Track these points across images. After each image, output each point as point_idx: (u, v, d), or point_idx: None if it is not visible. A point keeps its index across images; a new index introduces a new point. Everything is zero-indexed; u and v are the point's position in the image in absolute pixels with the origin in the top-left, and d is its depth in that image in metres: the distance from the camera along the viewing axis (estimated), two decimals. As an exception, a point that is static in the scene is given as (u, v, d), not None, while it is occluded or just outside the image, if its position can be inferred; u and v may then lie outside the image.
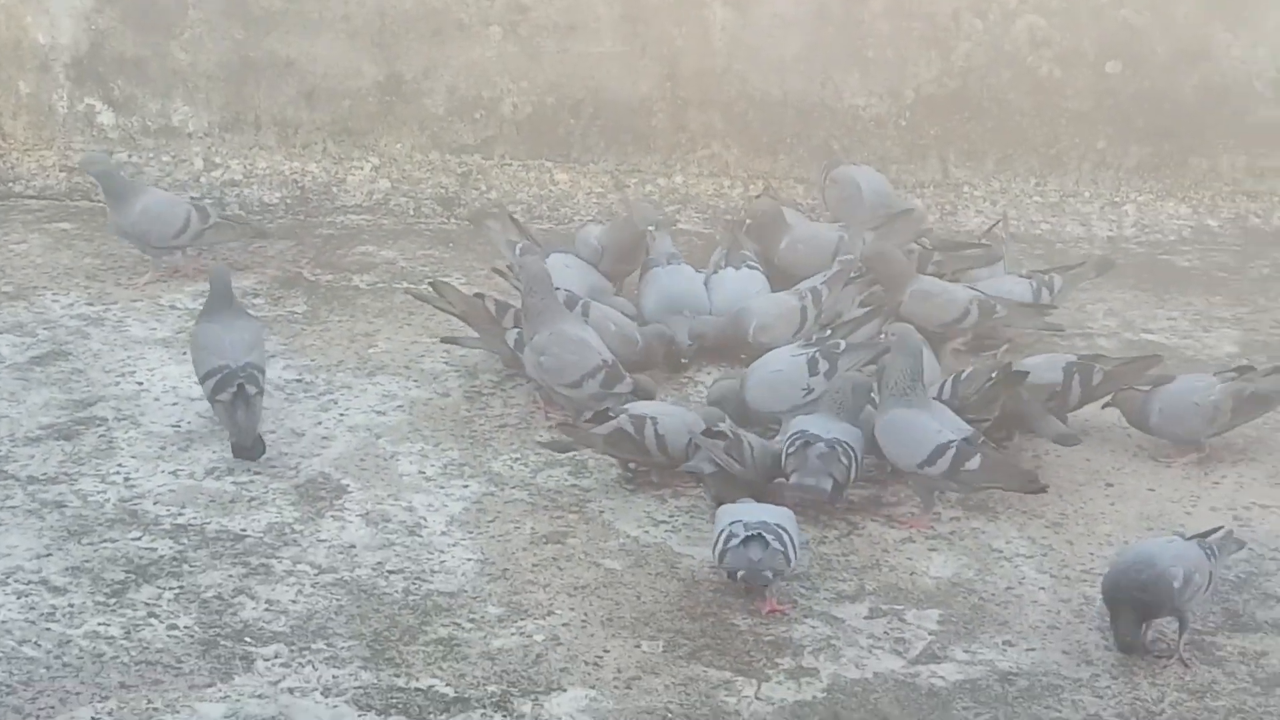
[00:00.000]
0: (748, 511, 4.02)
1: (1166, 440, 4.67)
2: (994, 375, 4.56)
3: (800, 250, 5.44)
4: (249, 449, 4.44)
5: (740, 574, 3.90)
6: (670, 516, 4.30)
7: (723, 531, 3.94)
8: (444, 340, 5.00)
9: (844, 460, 4.29)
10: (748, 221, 5.57)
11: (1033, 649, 3.80)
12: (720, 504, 4.23)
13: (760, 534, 3.89)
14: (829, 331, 4.85)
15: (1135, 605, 3.76)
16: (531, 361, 4.71)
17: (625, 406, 4.48)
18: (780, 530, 3.93)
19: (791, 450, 4.28)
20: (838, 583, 4.04)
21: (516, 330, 4.89)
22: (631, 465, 4.44)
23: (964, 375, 4.62)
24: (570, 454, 4.50)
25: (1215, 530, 3.99)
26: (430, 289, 5.14)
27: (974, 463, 4.27)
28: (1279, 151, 6.35)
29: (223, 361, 4.51)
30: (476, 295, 5.09)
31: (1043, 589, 4.04)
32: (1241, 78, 6.30)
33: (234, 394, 4.48)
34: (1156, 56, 6.28)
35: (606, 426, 4.40)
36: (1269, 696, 3.66)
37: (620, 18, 6.27)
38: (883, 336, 4.73)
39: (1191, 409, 4.62)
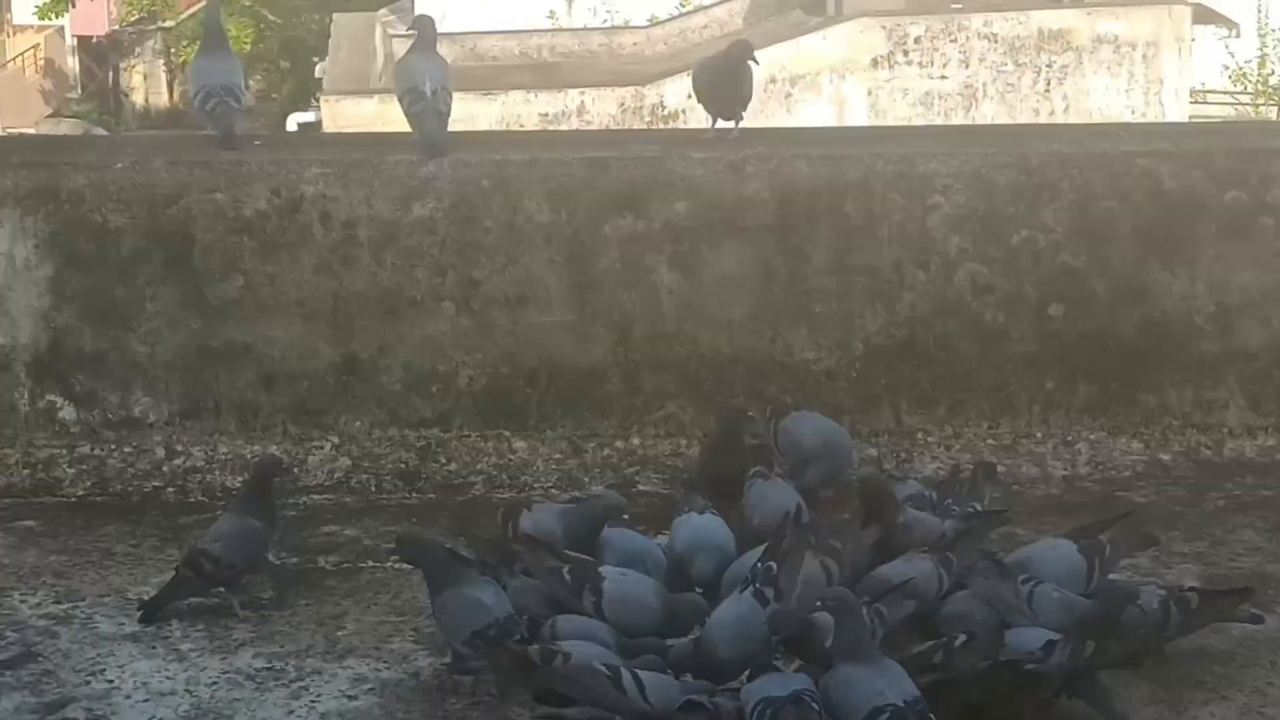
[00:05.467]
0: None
1: None
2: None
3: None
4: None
5: None
6: (647, 788, 4.29)
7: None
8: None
9: (815, 705, 4.29)
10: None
11: None
12: None
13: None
14: (757, 564, 4.85)
15: None
16: (436, 621, 4.84)
17: (559, 645, 4.54)
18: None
19: (762, 721, 4.28)
20: None
21: None
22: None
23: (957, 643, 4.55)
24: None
25: None
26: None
27: None
28: (1224, 384, 6.47)
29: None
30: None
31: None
32: (1182, 314, 6.44)
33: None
34: (1097, 298, 6.42)
35: (515, 653, 4.47)
36: None
37: (570, 287, 6.38)
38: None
39: None
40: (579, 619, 4.85)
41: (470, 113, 21.34)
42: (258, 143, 6.69)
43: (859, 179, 6.38)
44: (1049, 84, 25.90)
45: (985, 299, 6.41)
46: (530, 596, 4.98)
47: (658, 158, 6.41)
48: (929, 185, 6.38)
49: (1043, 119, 24.96)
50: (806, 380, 6.44)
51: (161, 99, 49.94)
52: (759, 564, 4.78)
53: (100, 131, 36.75)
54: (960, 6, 26.43)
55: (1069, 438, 6.42)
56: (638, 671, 4.42)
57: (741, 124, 6.62)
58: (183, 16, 43.73)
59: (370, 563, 5.63)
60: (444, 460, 6.37)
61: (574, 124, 23.35)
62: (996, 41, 25.68)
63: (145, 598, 5.38)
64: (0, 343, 6.30)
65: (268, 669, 4.95)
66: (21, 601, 5.40)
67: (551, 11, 28.76)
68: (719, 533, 5.39)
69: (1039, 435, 6.44)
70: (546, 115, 23.68)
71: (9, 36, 44.83)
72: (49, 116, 43.42)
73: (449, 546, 5.00)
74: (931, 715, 4.24)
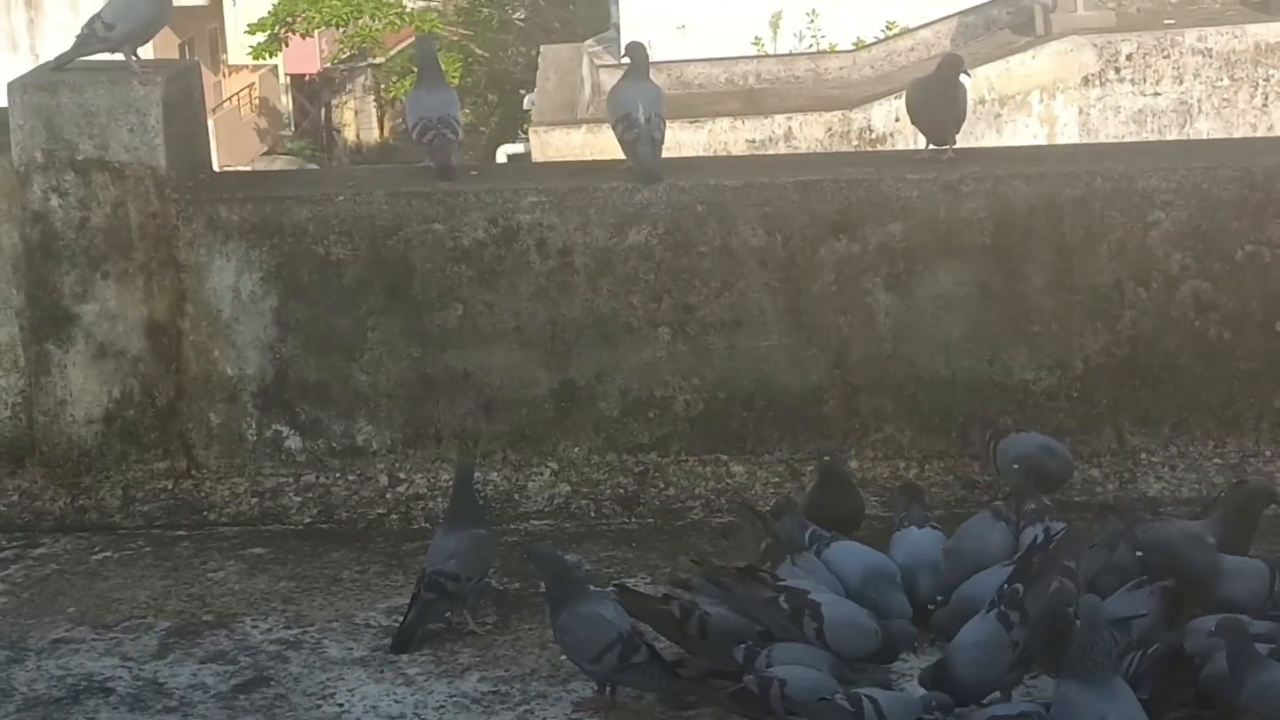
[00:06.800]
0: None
1: None
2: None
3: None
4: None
5: None
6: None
7: None
8: None
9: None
10: None
11: None
12: None
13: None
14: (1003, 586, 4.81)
15: None
16: (560, 643, 4.91)
17: (772, 672, 4.54)
18: None
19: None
20: None
21: None
22: None
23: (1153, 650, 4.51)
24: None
25: None
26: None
27: None
28: None
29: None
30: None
31: None
32: None
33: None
34: (1326, 313, 6.29)
35: (733, 688, 4.50)
36: None
37: (785, 311, 6.37)
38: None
39: None
40: (792, 646, 4.84)
41: (677, 141, 21.38)
42: (474, 173, 6.76)
43: (1077, 197, 6.31)
44: (1267, 98, 25.40)
45: (1209, 316, 6.30)
46: (728, 625, 4.98)
47: (872, 180, 6.38)
48: (1149, 201, 6.29)
49: (1260, 135, 24.45)
50: (1026, 401, 6.37)
51: (372, 134, 50.72)
52: (1005, 585, 4.74)
53: (313, 168, 37.41)
54: (1173, 22, 26.02)
55: (1300, 456, 6.29)
56: (874, 695, 4.42)
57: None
58: (392, 53, 44.36)
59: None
60: (662, 485, 6.39)
61: (781, 150, 23.30)
62: (1211, 56, 25.25)
63: (373, 623, 5.47)
64: (229, 374, 6.43)
65: (493, 692, 5.00)
66: (253, 627, 5.52)
67: (756, 38, 28.74)
68: (940, 549, 5.41)
69: (1268, 454, 6.32)
70: (753, 141, 23.68)
71: (225, 77, 45.81)
72: (264, 154, 44.27)
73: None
74: None
